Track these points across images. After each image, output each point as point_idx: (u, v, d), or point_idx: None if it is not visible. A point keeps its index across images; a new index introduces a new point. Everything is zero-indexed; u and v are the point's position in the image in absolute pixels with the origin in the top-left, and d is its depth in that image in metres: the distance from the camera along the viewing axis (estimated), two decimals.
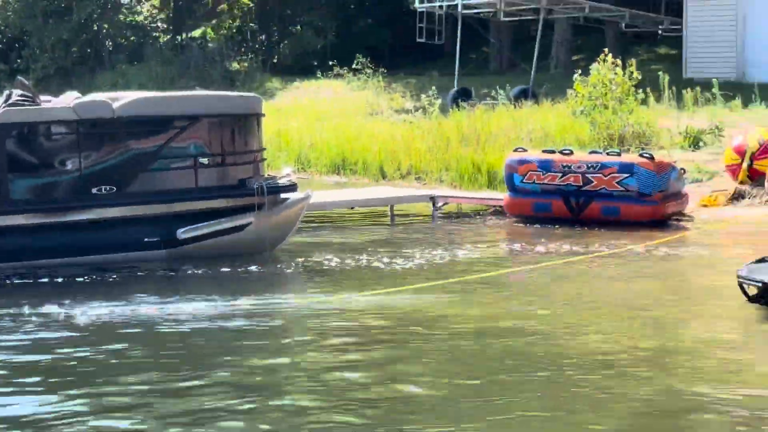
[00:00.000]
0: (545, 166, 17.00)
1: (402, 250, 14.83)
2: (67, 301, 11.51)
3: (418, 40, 32.19)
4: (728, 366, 9.10)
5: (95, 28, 41.01)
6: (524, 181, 17.14)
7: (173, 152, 14.06)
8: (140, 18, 44.38)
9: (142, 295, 11.94)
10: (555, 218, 16.83)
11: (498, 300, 11.98)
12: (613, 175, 16.55)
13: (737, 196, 17.63)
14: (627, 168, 16.54)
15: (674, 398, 8.16)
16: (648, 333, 10.21)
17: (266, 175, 14.96)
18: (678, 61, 29.44)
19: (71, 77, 38.03)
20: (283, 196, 14.64)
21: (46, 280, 12.82)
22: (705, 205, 17.71)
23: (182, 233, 13.91)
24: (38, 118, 13.66)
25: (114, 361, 9.40)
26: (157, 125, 14.05)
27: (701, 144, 20.60)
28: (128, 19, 43.28)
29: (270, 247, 14.51)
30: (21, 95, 13.88)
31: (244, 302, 11.57)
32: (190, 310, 11.22)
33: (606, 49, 22.29)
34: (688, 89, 23.13)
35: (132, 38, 42.29)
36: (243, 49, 41.95)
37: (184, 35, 42.52)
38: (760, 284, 10.69)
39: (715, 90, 22.71)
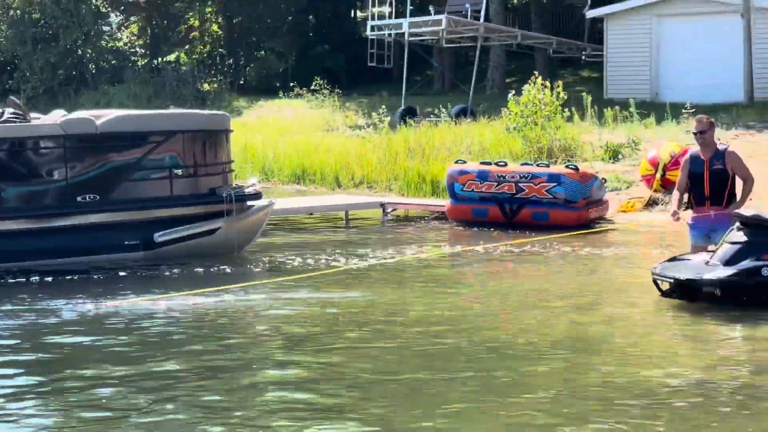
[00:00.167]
0: (482, 176, 17.07)
1: (355, 251, 14.88)
2: (55, 298, 11.45)
3: (370, 64, 32.24)
4: (642, 350, 9.18)
5: (80, 52, 40.75)
6: (464, 189, 17.20)
7: (150, 164, 14.01)
8: (120, 44, 44.17)
9: (123, 292, 11.87)
10: (491, 222, 16.91)
11: (440, 293, 12.01)
12: (542, 184, 16.65)
13: (652, 203, 17.80)
14: (555, 178, 16.65)
15: (593, 378, 8.22)
16: (570, 322, 10.26)
17: (234, 185, 14.94)
18: (599, 83, 29.64)
19: (58, 97, 37.77)
20: (249, 203, 14.62)
21: (36, 279, 12.70)
22: (623, 211, 17.87)
23: (159, 237, 13.87)
24: (28, 133, 13.59)
25: (97, 350, 9.36)
26: (136, 140, 13.99)
27: (620, 156, 20.74)
28: (109, 45, 43.06)
29: (238, 249, 14.49)
30: (13, 113, 13.80)
31: (214, 297, 11.56)
32: (166, 305, 11.19)
33: (536, 73, 22.40)
34: (608, 108, 23.29)
35: (113, 62, 42.05)
36: (213, 72, 41.81)
37: (159, 59, 42.32)
38: (671, 280, 10.78)
39: (632, 109, 22.87)
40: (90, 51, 41.19)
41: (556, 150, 20.35)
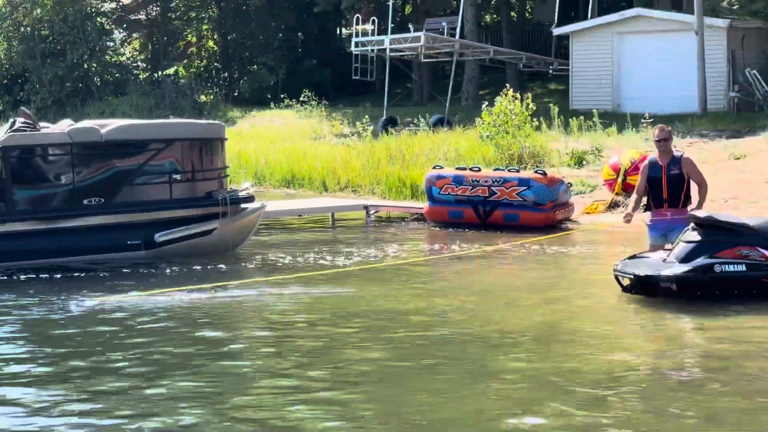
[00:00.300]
0: (458, 181, 17.08)
1: (341, 249, 14.89)
2: (63, 294, 11.44)
3: (354, 77, 32.25)
4: (604, 340, 9.23)
5: (86, 66, 40.63)
6: (441, 192, 17.21)
7: (151, 169, 13.99)
8: (123, 58, 44.05)
9: (127, 288, 11.87)
10: (466, 223, 16.92)
11: (419, 289, 12.03)
12: (513, 188, 16.67)
13: (613, 205, 17.81)
14: (524, 182, 16.67)
15: (558, 365, 8.24)
16: (539, 314, 10.30)
17: (229, 189, 14.93)
18: (565, 95, 29.69)
19: (66, 107, 37.62)
20: (243, 205, 14.59)
21: (46, 276, 12.69)
22: (587, 213, 17.89)
23: (159, 237, 13.83)
24: (38, 141, 13.57)
25: (100, 340, 9.35)
26: (138, 147, 13.96)
27: (584, 163, 20.77)
28: (113, 59, 42.92)
29: (232, 248, 14.46)
30: (24, 122, 13.78)
31: (210, 292, 11.55)
32: (167, 299, 11.18)
33: (507, 85, 22.41)
34: (574, 118, 23.32)
35: (116, 75, 41.94)
36: (209, 84, 41.79)
37: (160, 73, 42.23)
38: (632, 276, 10.82)
39: (595, 119, 22.91)
40: (95, 65, 41.07)
41: (525, 156, 20.37)
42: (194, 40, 44.81)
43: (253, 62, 41.96)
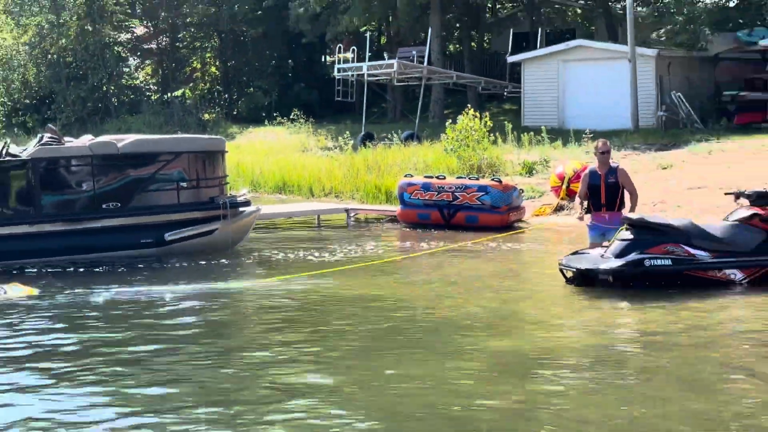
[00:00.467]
0: (426, 187, 17.10)
1: (326, 246, 14.87)
2: (85, 286, 11.38)
3: (337, 98, 32.22)
4: (550, 325, 9.25)
5: (104, 89, 40.40)
6: (411, 197, 17.23)
7: (161, 178, 13.94)
8: (137, 82, 43.85)
9: (140, 280, 11.84)
10: (433, 224, 16.94)
11: (393, 280, 12.04)
12: (473, 193, 16.71)
13: (559, 209, 17.89)
14: (483, 188, 16.71)
15: (512, 342, 8.28)
16: (495, 301, 10.32)
17: (228, 194, 14.88)
18: (518, 114, 29.80)
19: (87, 124, 37.35)
20: (241, 209, 14.56)
21: (71, 270, 12.62)
22: (537, 215, 17.95)
23: (169, 236, 13.78)
24: (63, 153, 13.51)
25: (118, 327, 9.30)
26: (150, 158, 13.91)
27: (534, 172, 20.85)
28: (128, 83, 42.72)
29: (232, 246, 14.41)
30: (50, 137, 13.74)
31: (213, 285, 11.52)
32: (176, 291, 11.13)
33: (468, 106, 22.48)
34: (525, 133, 23.40)
35: (131, 96, 41.72)
36: (212, 105, 41.67)
37: (169, 94, 42.06)
38: (574, 270, 10.87)
39: (543, 134, 23.00)
40: (113, 88, 40.85)
41: (484, 166, 20.41)
42: (199, 66, 44.70)
43: (249, 85, 41.89)
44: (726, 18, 27.04)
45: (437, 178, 17.43)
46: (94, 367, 7.78)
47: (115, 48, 41.51)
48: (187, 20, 42.26)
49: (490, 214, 16.57)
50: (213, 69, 44.43)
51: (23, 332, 9.06)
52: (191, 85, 44.13)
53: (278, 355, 8.14)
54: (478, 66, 35.56)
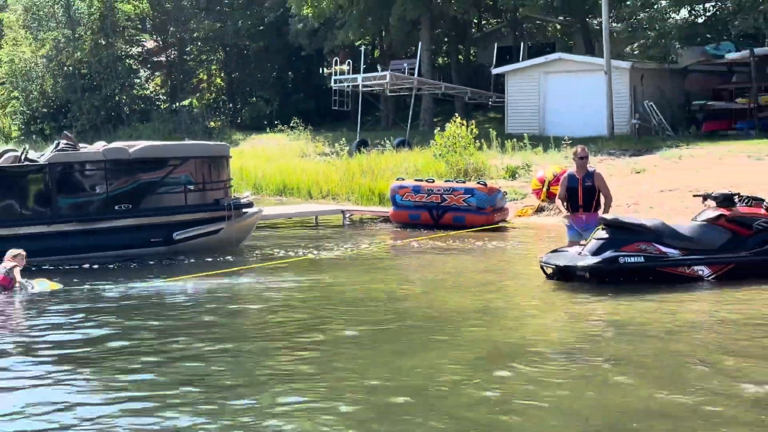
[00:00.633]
0: (416, 190, 17.12)
1: (324, 244, 14.87)
2: (100, 281, 11.39)
3: (333, 108, 32.22)
4: (531, 318, 9.27)
5: (117, 99, 40.35)
6: (403, 199, 17.24)
7: (170, 181, 13.93)
8: (148, 92, 43.78)
9: (150, 276, 11.82)
10: (423, 224, 16.95)
11: (384, 275, 12.04)
12: (460, 195, 16.72)
13: (540, 210, 17.92)
14: (469, 191, 16.73)
15: (495, 332, 8.29)
16: (480, 294, 10.32)
17: (232, 196, 14.88)
18: (502, 122, 29.85)
19: (101, 132, 37.34)
20: (244, 210, 14.57)
21: (86, 266, 12.61)
22: (519, 216, 17.98)
23: (177, 235, 13.79)
24: (78, 158, 13.49)
25: (131, 318, 9.30)
26: (159, 163, 13.91)
27: (516, 176, 20.88)
28: (139, 93, 42.66)
29: (236, 244, 14.42)
30: (66, 143, 13.71)
31: (219, 280, 11.51)
32: (183, 285, 11.14)
33: (456, 114, 22.49)
34: (508, 140, 23.45)
35: (142, 105, 41.67)
36: (217, 113, 41.62)
37: (177, 104, 42.03)
38: (554, 266, 10.89)
39: (525, 141, 23.04)
40: (125, 97, 40.80)
41: (470, 171, 20.44)
42: (205, 77, 44.67)
43: (252, 96, 41.88)
44: (695, 33, 27.15)
45: (427, 181, 17.44)
46: (111, 351, 7.82)
47: (127, 60, 41.45)
48: (194, 35, 42.24)
49: (476, 214, 16.59)
50: (218, 80, 44.42)
51: (49, 322, 9.18)
52: (198, 95, 44.11)
53: (275, 343, 8.14)
54: (464, 77, 35.59)
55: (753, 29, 25.57)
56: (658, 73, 27.06)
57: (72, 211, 13.30)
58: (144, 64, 43.86)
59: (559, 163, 19.84)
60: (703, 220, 11.02)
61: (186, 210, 13.98)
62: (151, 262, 13.01)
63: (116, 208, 13.47)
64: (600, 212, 11.30)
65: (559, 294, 10.41)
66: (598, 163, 19.40)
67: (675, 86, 27.39)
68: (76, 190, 13.38)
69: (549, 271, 10.99)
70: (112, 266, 12.69)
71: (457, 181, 17.61)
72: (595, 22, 32.55)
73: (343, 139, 28.15)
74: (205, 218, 14.11)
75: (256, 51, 41.12)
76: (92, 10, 39.43)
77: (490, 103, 32.65)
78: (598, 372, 7.15)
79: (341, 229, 17.65)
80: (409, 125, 29.25)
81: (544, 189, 17.81)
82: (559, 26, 37.06)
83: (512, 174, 20.92)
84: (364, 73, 29.85)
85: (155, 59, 44.38)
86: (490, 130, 24.17)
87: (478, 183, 17.23)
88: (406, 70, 30.46)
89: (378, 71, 31.10)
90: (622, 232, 10.70)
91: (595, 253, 10.60)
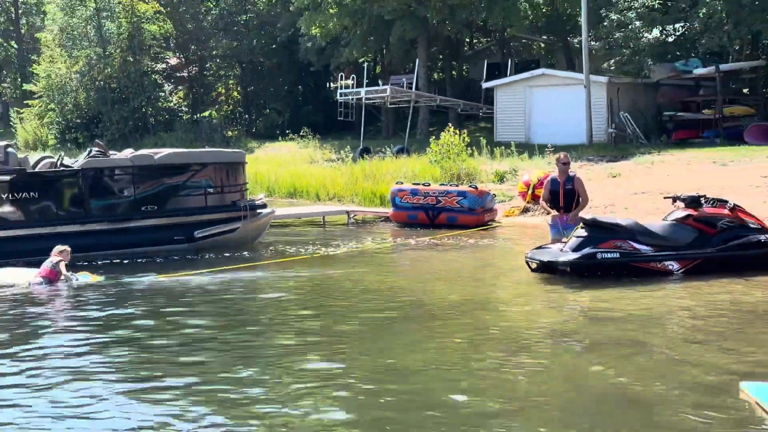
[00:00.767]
0: (414, 192, 17.13)
1: (331, 242, 14.87)
2: (129, 275, 11.39)
3: (339, 118, 32.25)
4: (517, 308, 9.28)
5: (143, 110, 40.29)
6: (402, 201, 17.25)
7: (192, 185, 13.93)
8: (171, 104, 43.73)
9: (175, 270, 11.83)
10: (420, 223, 16.97)
11: (385, 270, 12.06)
12: (453, 197, 16.74)
13: (525, 210, 17.93)
14: (462, 194, 16.74)
15: (485, 322, 8.30)
16: (471, 287, 10.35)
17: (248, 198, 14.89)
18: (491, 131, 29.85)
19: (129, 140, 37.29)
20: (258, 211, 14.58)
21: (117, 262, 12.62)
22: (507, 216, 17.98)
23: (198, 234, 13.79)
24: (108, 164, 13.50)
25: (157, 307, 9.32)
26: (182, 168, 13.92)
27: (504, 180, 20.88)
28: (164, 105, 42.60)
29: (251, 241, 14.44)
30: (97, 151, 13.75)
31: (237, 274, 11.52)
32: (204, 279, 11.15)
33: (450, 124, 22.49)
34: (497, 147, 23.45)
35: (166, 116, 41.63)
36: (234, 123, 41.59)
37: (198, 115, 42.00)
38: (538, 261, 10.91)
39: (512, 148, 23.05)
40: (150, 109, 40.77)
41: (462, 175, 20.45)
42: (223, 91, 44.65)
43: (266, 108, 41.87)
44: (665, 51, 27.21)
45: (423, 185, 17.45)
46: (150, 333, 7.86)
47: (153, 76, 41.44)
48: (213, 53, 42.26)
49: (468, 215, 16.60)
50: (235, 93, 44.41)
51: (92, 310, 9.29)
52: (217, 107, 44.11)
53: (288, 332, 8.15)
54: (457, 91, 35.61)
55: (718, 47, 25.60)
56: (632, 87, 27.05)
57: (103, 211, 13.31)
58: (168, 79, 43.84)
59: (543, 168, 19.85)
60: (673, 220, 11.04)
61: (206, 211, 13.99)
62: (175, 258, 13.02)
63: (143, 209, 13.49)
64: (572, 212, 11.32)
65: (542, 286, 10.42)
66: (578, 169, 19.41)
67: (648, 99, 27.38)
68: (106, 193, 13.38)
69: (534, 265, 11.00)
70: (140, 261, 12.71)
71: (450, 185, 17.61)
72: (576, 41, 32.58)
73: (348, 146, 28.17)
74: (224, 218, 14.12)
75: (270, 67, 41.13)
76: (121, 30, 39.44)
77: (480, 114, 32.66)
78: (575, 353, 7.18)
79: (346, 228, 17.67)
80: (407, 134, 29.25)
81: (530, 192, 17.84)
82: (543, 45, 37.07)
83: (501, 178, 20.92)
84: (366, 87, 29.83)
85: (178, 74, 44.36)
86: (481, 138, 24.16)
87: (470, 186, 17.24)
88: (405, 85, 30.44)
89: (379, 85, 31.08)
90: (600, 231, 10.72)
91: (575, 249, 10.62)
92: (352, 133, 34.31)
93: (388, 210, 18.00)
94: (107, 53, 39.61)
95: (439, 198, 16.82)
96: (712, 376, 6.51)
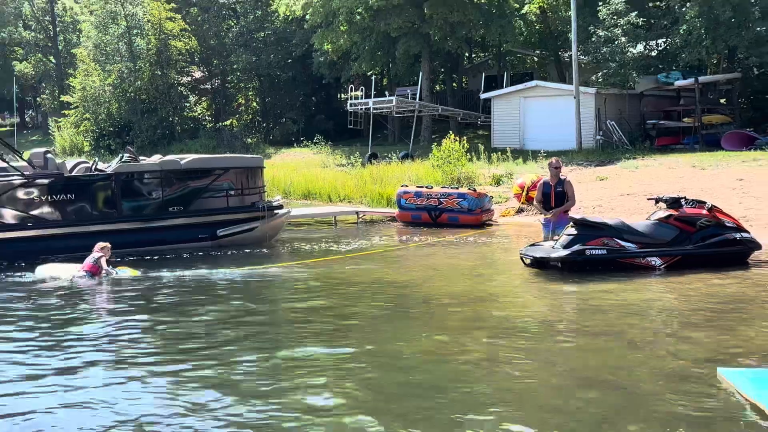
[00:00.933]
0: (418, 194, 17.13)
1: (342, 240, 14.86)
2: (158, 270, 11.41)
3: (349, 126, 32.31)
4: (510, 300, 9.28)
5: (170, 119, 40.40)
6: (407, 202, 17.26)
7: (215, 187, 13.97)
8: (196, 114, 43.83)
9: (200, 265, 11.85)
10: (423, 223, 16.97)
11: (393, 265, 12.06)
12: (454, 199, 16.73)
13: (520, 211, 17.91)
14: (462, 195, 16.74)
15: (482, 313, 8.30)
16: (470, 281, 10.34)
17: (266, 200, 14.91)
18: (489, 138, 29.80)
19: (157, 147, 37.33)
20: (275, 211, 14.60)
21: (147, 258, 12.65)
22: (503, 216, 17.96)
23: (220, 232, 13.84)
24: (138, 169, 13.54)
25: (183, 298, 9.34)
26: (206, 173, 13.95)
27: (501, 183, 20.85)
28: (189, 115, 42.69)
29: (269, 239, 14.46)
30: (129, 156, 13.80)
31: (256, 269, 11.54)
32: (227, 273, 11.16)
33: (450, 132, 22.47)
34: (494, 153, 23.43)
35: (191, 125, 41.70)
36: (253, 131, 41.63)
37: (220, 123, 42.06)
38: (531, 257, 10.90)
39: (508, 154, 23.02)
40: (177, 118, 40.86)
41: (462, 179, 20.44)
42: (243, 101, 44.68)
43: (282, 117, 41.89)
44: (649, 64, 27.19)
45: (426, 187, 17.45)
46: (187, 320, 7.88)
47: (179, 88, 41.54)
48: (234, 66, 42.28)
49: (468, 215, 16.60)
50: (254, 104, 44.43)
51: (130, 300, 9.37)
52: (237, 116, 44.14)
53: (300, 324, 8.16)
54: (457, 101, 35.57)
55: (697, 61, 25.57)
56: (618, 98, 26.99)
57: (134, 212, 13.36)
58: (193, 91, 43.90)
59: (536, 172, 19.82)
60: (656, 219, 11.02)
61: (228, 211, 14.02)
62: (199, 254, 13.06)
63: (170, 209, 13.53)
64: (559, 209, 11.31)
65: (535, 280, 10.41)
66: (569, 172, 19.37)
67: (632, 108, 27.31)
68: (137, 195, 13.43)
69: (527, 261, 11.01)
70: (167, 257, 12.74)
71: (451, 188, 17.60)
72: (566, 55, 32.50)
73: (357, 152, 28.16)
74: (244, 218, 14.16)
75: (286, 80, 41.16)
76: (150, 46, 39.57)
77: (479, 122, 32.62)
78: (563, 342, 7.17)
79: (356, 227, 17.68)
80: (411, 141, 29.24)
81: (524, 194, 17.82)
82: (536, 59, 37.00)
83: (497, 181, 20.90)
84: (374, 97, 29.85)
85: (202, 87, 44.44)
86: (479, 144, 24.14)
87: (469, 189, 17.23)
88: (409, 96, 30.48)
89: (386, 96, 31.10)
90: (588, 229, 10.71)
91: (566, 246, 10.61)
92: (361, 140, 34.29)
93: (394, 210, 18.00)
94: (137, 67, 39.73)
95: (441, 199, 16.81)
96: (691, 363, 6.50)
